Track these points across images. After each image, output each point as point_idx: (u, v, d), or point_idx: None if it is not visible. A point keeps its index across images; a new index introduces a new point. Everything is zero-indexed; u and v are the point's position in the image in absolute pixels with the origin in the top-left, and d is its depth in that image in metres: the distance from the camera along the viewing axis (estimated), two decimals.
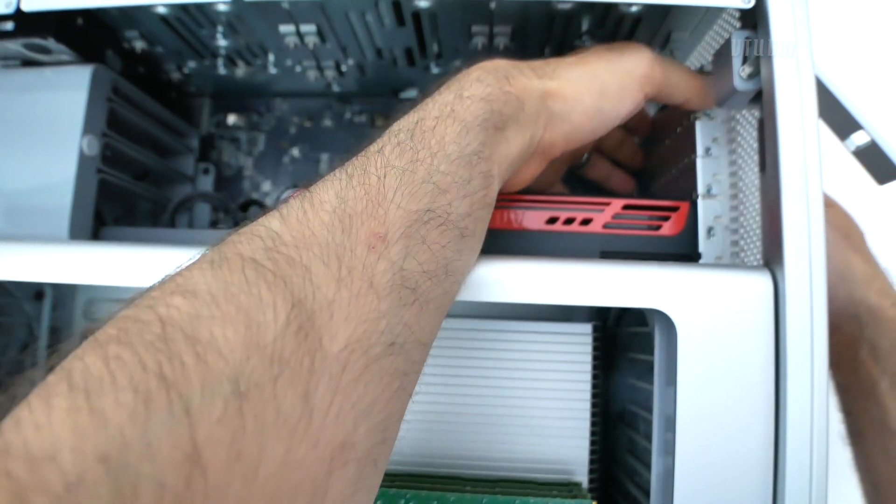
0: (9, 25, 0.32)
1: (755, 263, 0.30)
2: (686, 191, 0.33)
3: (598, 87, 0.28)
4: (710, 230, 0.31)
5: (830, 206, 0.40)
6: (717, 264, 0.31)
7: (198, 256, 0.19)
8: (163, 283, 0.18)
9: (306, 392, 0.17)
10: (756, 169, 0.31)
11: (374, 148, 0.23)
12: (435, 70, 0.42)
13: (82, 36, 0.35)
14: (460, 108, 0.24)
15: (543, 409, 0.35)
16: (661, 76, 0.29)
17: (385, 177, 0.21)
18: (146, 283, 0.26)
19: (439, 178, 0.22)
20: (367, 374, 0.18)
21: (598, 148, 0.40)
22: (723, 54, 0.29)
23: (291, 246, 0.19)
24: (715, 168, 0.32)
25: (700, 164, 0.32)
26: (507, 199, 0.31)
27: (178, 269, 0.18)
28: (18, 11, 0.29)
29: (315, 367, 0.17)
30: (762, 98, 0.27)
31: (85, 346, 0.16)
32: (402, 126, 0.24)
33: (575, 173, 0.40)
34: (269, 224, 0.20)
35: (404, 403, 0.21)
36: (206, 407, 0.15)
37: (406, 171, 0.22)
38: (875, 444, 0.37)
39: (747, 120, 0.32)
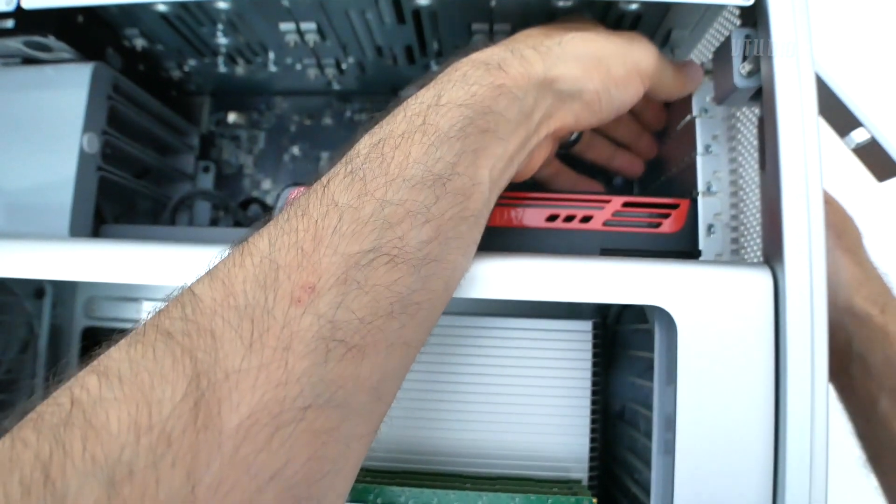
0: (9, 23, 0.32)
1: (755, 260, 0.30)
2: (686, 188, 0.33)
3: (604, 70, 0.27)
4: (710, 227, 0.32)
5: (827, 202, 0.39)
6: (718, 261, 0.31)
7: (132, 329, 0.19)
8: (94, 357, 0.19)
9: (192, 469, 0.16)
10: (756, 166, 0.31)
11: (324, 178, 0.22)
12: (435, 68, 0.42)
13: (83, 34, 0.35)
14: (434, 117, 0.23)
15: (543, 407, 0.35)
16: (659, 74, 0.30)
17: (325, 217, 0.20)
18: (146, 280, 0.27)
19: (391, 211, 0.21)
20: (275, 441, 0.18)
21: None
22: (723, 52, 0.29)
23: (208, 312, 0.19)
24: (715, 165, 0.32)
25: (700, 161, 0.32)
26: (507, 196, 0.31)
27: (110, 342, 0.19)
28: (19, 9, 0.29)
29: (206, 442, 0.17)
30: (762, 95, 0.27)
31: (14, 428, 0.17)
32: (362, 147, 0.23)
33: (570, 154, 0.39)
34: (195, 287, 0.20)
35: (339, 455, 0.20)
36: (80, 498, 0.15)
37: (350, 209, 0.21)
38: (893, 470, 0.33)
39: (747, 118, 0.32)
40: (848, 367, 0.34)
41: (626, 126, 0.39)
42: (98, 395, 0.17)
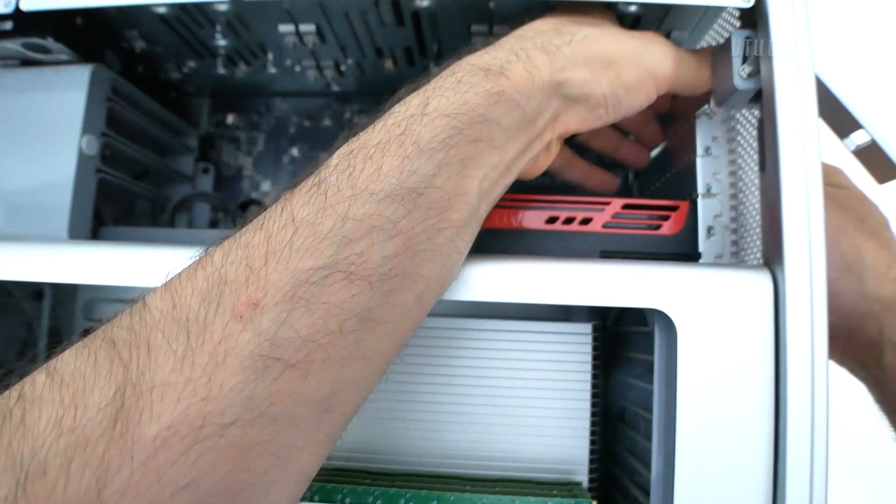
0: (8, 25, 0.32)
1: (755, 263, 0.30)
2: (686, 190, 0.33)
3: (614, 73, 0.26)
4: (709, 229, 0.31)
5: (845, 188, 0.36)
6: (717, 263, 0.31)
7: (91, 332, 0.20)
8: (54, 355, 0.19)
9: (102, 473, 0.17)
10: (756, 168, 0.31)
11: (289, 193, 0.22)
12: (435, 70, 0.42)
13: (81, 35, 0.34)
14: (416, 127, 0.22)
15: (543, 409, 0.35)
16: (677, 75, 0.28)
17: (280, 231, 0.20)
18: (145, 283, 0.27)
19: (352, 227, 0.20)
20: (193, 453, 0.18)
21: None
22: (722, 53, 0.29)
23: (151, 324, 0.19)
24: (715, 167, 0.32)
25: (700, 163, 0.32)
26: (507, 198, 0.31)
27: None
28: (17, 11, 0.29)
29: (120, 449, 0.17)
30: (762, 97, 0.27)
31: None
32: (334, 158, 0.22)
33: (576, 143, 0.38)
34: (148, 297, 0.20)
35: (271, 467, 0.20)
36: None
37: (306, 224, 0.20)
38: None
39: (747, 119, 0.32)
40: (880, 359, 0.32)
41: (639, 116, 0.36)
42: (39, 394, 0.18)
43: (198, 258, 0.21)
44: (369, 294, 0.21)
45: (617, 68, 0.27)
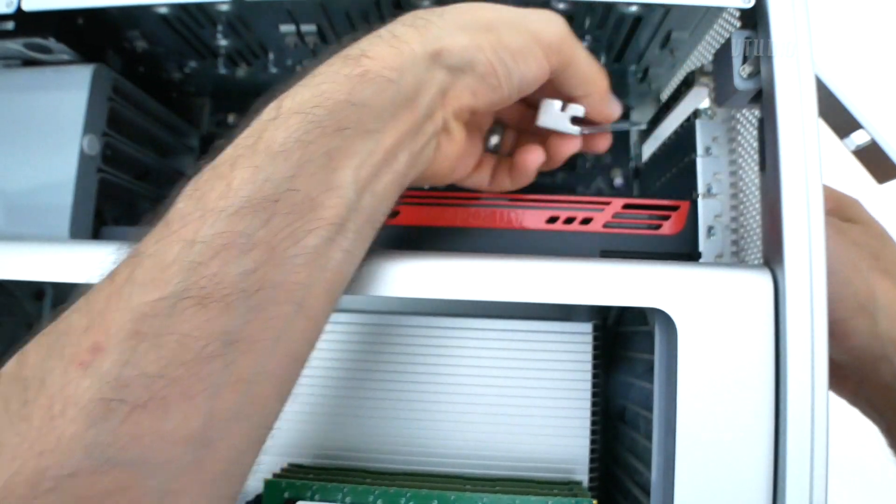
0: (9, 25, 0.32)
1: (755, 262, 0.30)
2: (686, 190, 0.33)
3: (495, 38, 0.24)
4: (710, 229, 0.32)
5: (860, 223, 0.34)
6: (718, 263, 0.31)
7: None
8: None
9: None
10: (756, 168, 0.31)
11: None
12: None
13: (83, 35, 0.35)
14: (270, 132, 0.21)
15: (544, 409, 0.35)
16: (570, 53, 0.26)
17: (123, 270, 0.19)
18: None
19: (201, 249, 0.19)
20: None
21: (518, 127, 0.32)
22: (723, 54, 0.29)
23: (9, 380, 0.19)
24: (715, 167, 0.32)
25: (700, 163, 0.32)
26: (508, 198, 0.31)
27: None
28: (19, 11, 0.29)
29: None
30: (762, 97, 0.27)
31: None
32: (186, 187, 0.21)
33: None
34: (13, 359, 0.20)
35: None
36: None
37: (149, 256, 0.19)
38: None
39: (747, 119, 0.32)
40: (894, 403, 0.31)
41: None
42: None
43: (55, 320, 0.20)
44: (229, 315, 0.19)
45: (497, 33, 0.25)
